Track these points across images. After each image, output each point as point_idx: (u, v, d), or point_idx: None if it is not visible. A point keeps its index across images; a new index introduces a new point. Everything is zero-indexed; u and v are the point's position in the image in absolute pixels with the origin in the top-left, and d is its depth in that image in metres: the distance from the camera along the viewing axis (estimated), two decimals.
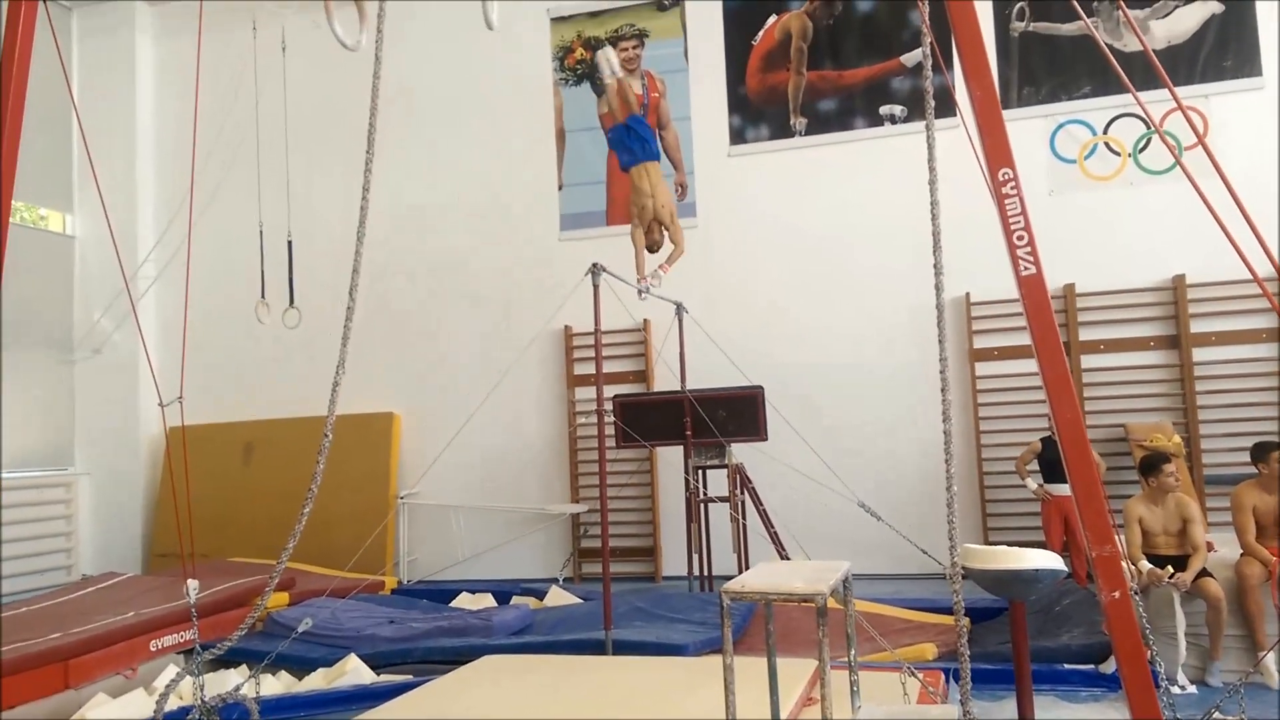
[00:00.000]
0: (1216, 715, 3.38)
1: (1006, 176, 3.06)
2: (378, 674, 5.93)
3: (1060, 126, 8.63)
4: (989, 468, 8.47)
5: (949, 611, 4.97)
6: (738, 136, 9.46)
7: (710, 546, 7.95)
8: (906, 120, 8.95)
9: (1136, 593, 3.11)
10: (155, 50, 11.09)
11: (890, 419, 8.63)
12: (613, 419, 7.77)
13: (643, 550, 9.32)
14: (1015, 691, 3.54)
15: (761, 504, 7.57)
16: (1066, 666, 5.33)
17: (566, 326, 9.51)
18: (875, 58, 9.12)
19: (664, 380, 8.89)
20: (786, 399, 7.82)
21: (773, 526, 7.49)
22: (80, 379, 10.64)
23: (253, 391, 10.44)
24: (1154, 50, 7.05)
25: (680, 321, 8.43)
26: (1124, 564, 2.88)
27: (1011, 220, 3.03)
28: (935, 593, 7.18)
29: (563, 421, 9.66)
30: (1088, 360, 8.32)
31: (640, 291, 6.72)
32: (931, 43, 3.34)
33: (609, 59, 7.34)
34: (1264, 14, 8.19)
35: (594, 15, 9.93)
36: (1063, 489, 7.02)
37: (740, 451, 7.71)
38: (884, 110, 9.07)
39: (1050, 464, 7.24)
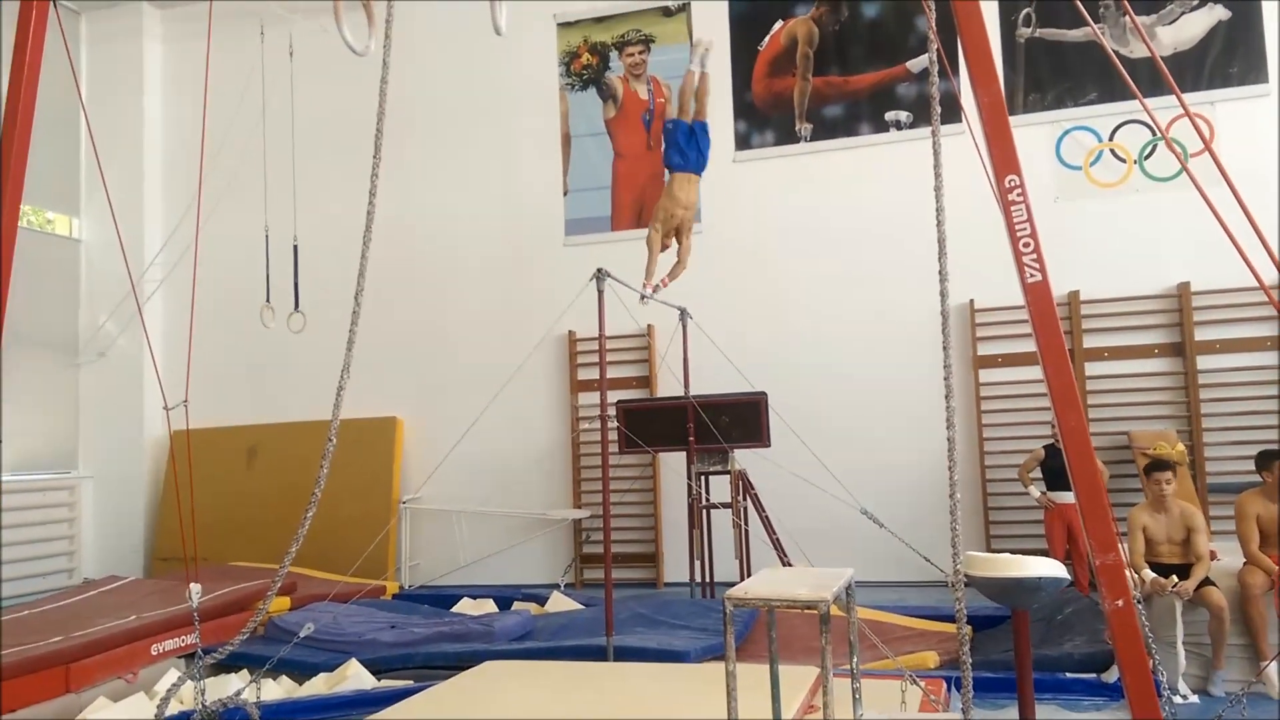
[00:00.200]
0: None
1: (1013, 183, 3.05)
2: (379, 679, 5.92)
3: (1066, 133, 8.62)
4: (992, 475, 8.45)
5: (951, 619, 4.93)
6: (743, 142, 9.46)
7: (712, 553, 7.93)
8: (912, 126, 8.94)
9: (1139, 601, 3.09)
10: (163, 54, 11.13)
11: (893, 425, 8.60)
12: (616, 424, 7.77)
13: (645, 556, 9.31)
14: (1017, 700, 3.52)
15: (764, 510, 7.56)
16: (1069, 675, 5.30)
17: (570, 332, 9.51)
18: (881, 63, 9.12)
19: (667, 386, 8.89)
20: (789, 405, 7.80)
21: (775, 533, 7.48)
22: (85, 382, 10.65)
23: (256, 395, 10.45)
24: (1160, 57, 7.03)
25: (684, 327, 8.42)
26: (1127, 572, 2.87)
27: (1018, 227, 3.02)
28: (937, 600, 7.17)
29: (566, 427, 9.65)
30: (1092, 367, 8.30)
31: (641, 296, 6.72)
32: (938, 48, 3.32)
33: (707, 49, 7.03)
34: (1270, 21, 8.18)
35: (600, 20, 9.94)
36: (1066, 497, 7.01)
37: (743, 458, 7.69)
38: (889, 116, 9.07)
39: (1053, 471, 7.23)
